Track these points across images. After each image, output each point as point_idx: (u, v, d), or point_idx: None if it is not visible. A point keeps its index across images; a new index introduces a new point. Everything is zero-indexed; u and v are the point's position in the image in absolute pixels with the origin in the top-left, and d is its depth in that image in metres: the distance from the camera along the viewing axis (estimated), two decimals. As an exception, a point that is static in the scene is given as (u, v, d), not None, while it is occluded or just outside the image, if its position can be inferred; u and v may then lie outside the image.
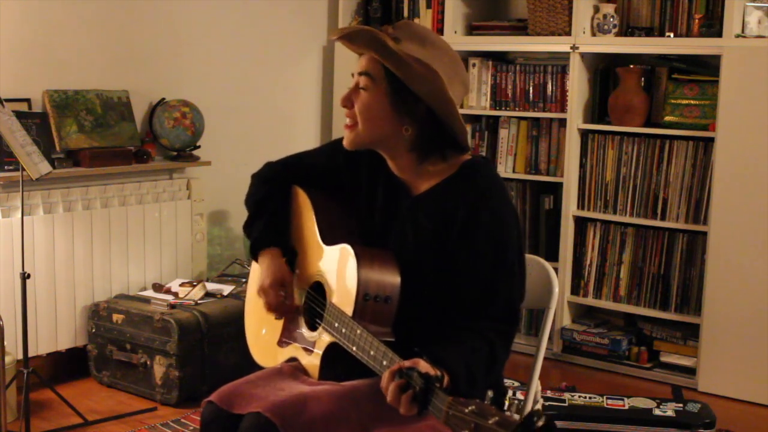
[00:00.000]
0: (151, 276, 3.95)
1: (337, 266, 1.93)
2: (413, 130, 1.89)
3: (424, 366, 1.62)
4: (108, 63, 3.90)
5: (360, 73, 1.91)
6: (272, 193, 2.16)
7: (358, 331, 1.78)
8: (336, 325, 1.86)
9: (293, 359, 2.04)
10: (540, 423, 1.31)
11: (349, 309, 1.84)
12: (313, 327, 1.99)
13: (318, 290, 2.00)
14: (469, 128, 4.49)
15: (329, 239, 1.99)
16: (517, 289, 1.90)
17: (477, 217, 1.85)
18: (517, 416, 1.37)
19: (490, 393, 1.39)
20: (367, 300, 1.83)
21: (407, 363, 1.62)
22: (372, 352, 1.73)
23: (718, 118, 3.72)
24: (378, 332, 1.79)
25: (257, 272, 2.10)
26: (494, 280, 1.84)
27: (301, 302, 2.06)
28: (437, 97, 1.84)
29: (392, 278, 1.86)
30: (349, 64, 1.99)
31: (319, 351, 1.94)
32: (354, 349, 1.79)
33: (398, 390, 1.58)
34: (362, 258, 1.86)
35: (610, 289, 4.14)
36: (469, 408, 1.39)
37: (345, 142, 1.96)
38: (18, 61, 3.60)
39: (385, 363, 1.68)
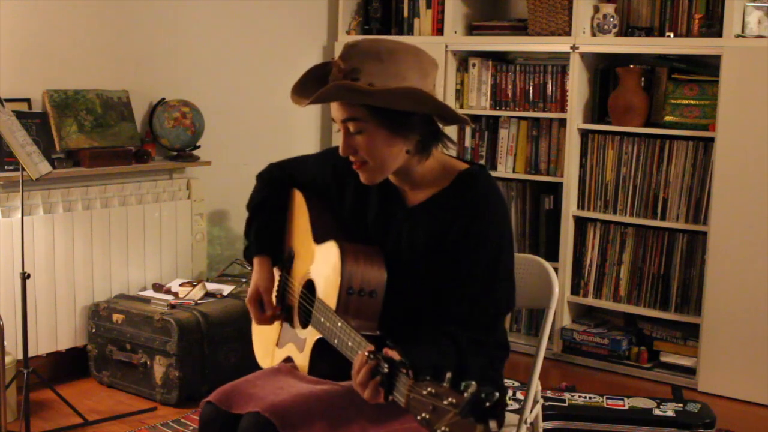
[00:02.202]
0: (151, 276, 3.96)
1: (324, 262, 1.95)
2: (416, 139, 1.87)
3: (389, 352, 1.62)
4: (108, 63, 3.90)
5: (344, 120, 1.86)
6: (269, 197, 2.20)
7: (339, 324, 1.79)
8: (322, 320, 1.87)
9: (289, 359, 2.05)
10: (488, 403, 1.32)
11: (333, 303, 1.85)
12: (305, 325, 2.00)
13: (311, 289, 2.01)
14: (468, 128, 4.50)
15: (321, 238, 2.01)
16: (504, 298, 1.89)
17: (472, 231, 1.84)
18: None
19: (448, 374, 1.40)
20: (350, 294, 1.84)
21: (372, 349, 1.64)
22: (350, 344, 1.74)
23: (718, 118, 3.72)
24: (363, 326, 1.80)
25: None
26: (483, 290, 1.84)
27: (296, 302, 2.07)
28: (428, 109, 1.84)
29: (378, 273, 1.87)
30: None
31: (308, 347, 1.95)
32: (335, 342, 1.80)
33: (369, 372, 1.59)
34: (347, 253, 1.87)
35: (610, 289, 4.14)
36: (427, 390, 1.41)
37: (364, 181, 1.92)
38: (18, 61, 3.61)
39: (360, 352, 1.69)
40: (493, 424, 1.31)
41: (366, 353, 1.62)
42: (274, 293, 2.15)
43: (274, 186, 2.20)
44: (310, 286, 2.02)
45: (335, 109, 1.87)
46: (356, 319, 1.82)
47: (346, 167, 1.97)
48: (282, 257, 2.19)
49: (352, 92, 1.79)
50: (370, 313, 1.85)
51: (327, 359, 1.89)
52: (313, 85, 1.86)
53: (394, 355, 1.60)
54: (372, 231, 1.99)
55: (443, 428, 1.35)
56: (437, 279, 1.86)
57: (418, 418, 1.40)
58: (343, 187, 2.05)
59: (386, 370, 1.54)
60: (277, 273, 2.19)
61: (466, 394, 1.33)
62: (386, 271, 1.88)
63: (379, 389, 1.56)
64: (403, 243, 1.93)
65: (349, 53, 1.84)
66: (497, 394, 1.32)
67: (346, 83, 1.79)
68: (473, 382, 1.34)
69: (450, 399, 1.36)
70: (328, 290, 1.90)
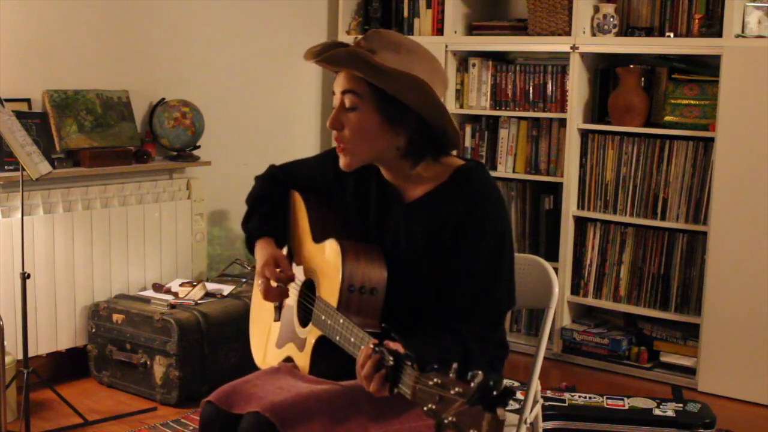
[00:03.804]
0: (151, 276, 3.96)
1: (325, 261, 1.95)
2: (405, 138, 1.88)
3: (394, 345, 1.62)
4: (108, 63, 3.90)
5: (344, 92, 1.86)
6: (271, 192, 2.19)
7: (341, 320, 1.79)
8: (323, 318, 1.87)
9: (289, 359, 2.05)
10: (495, 391, 1.31)
11: (334, 300, 1.85)
12: (305, 324, 2.00)
13: (311, 288, 2.01)
14: (468, 128, 4.50)
15: (319, 237, 2.01)
16: (505, 294, 1.89)
17: (470, 225, 1.84)
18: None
19: (455, 365, 1.39)
20: (351, 291, 1.84)
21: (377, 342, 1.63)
22: (352, 339, 1.74)
23: (718, 118, 3.72)
24: (364, 324, 1.79)
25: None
26: (483, 287, 1.84)
27: (296, 302, 2.06)
28: (428, 105, 1.83)
29: (378, 271, 1.87)
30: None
31: (309, 346, 1.95)
32: (337, 338, 1.80)
33: (374, 366, 1.59)
34: (347, 250, 1.87)
35: (610, 289, 4.14)
36: (433, 381, 1.41)
37: (342, 166, 1.93)
38: (18, 61, 3.61)
39: (363, 347, 1.69)
40: (501, 412, 1.31)
41: (371, 346, 1.61)
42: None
43: (274, 184, 2.20)
44: (310, 285, 2.02)
45: (339, 79, 1.88)
46: (358, 317, 1.82)
47: (346, 172, 1.98)
48: (282, 245, 2.19)
49: (361, 61, 1.80)
50: (372, 311, 1.85)
51: (328, 358, 1.89)
52: (324, 52, 1.86)
53: (398, 347, 1.60)
54: (372, 229, 1.99)
55: (451, 417, 1.35)
56: (437, 276, 1.86)
57: (425, 408, 1.40)
58: (344, 185, 2.05)
59: (391, 362, 1.54)
60: None
61: (473, 384, 1.33)
62: (387, 268, 1.88)
63: (385, 382, 1.56)
64: (402, 240, 1.93)
65: (372, 36, 1.86)
66: (504, 382, 1.32)
67: (359, 51, 1.80)
68: (479, 372, 1.34)
69: (457, 389, 1.36)
70: (328, 288, 1.89)
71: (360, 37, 1.87)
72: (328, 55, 1.83)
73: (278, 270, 2.02)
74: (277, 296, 2.06)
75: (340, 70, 1.88)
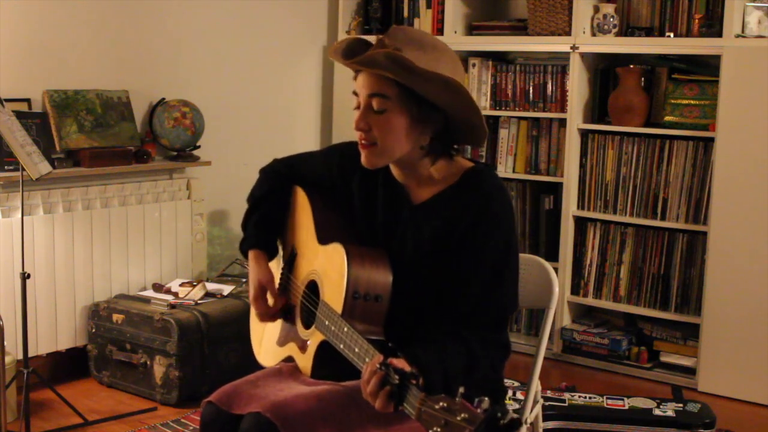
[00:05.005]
0: (151, 276, 3.95)
1: (329, 265, 1.93)
2: (429, 138, 1.87)
3: (399, 362, 1.61)
4: (108, 63, 3.90)
5: (372, 95, 1.83)
6: (271, 192, 2.18)
7: (345, 329, 1.78)
8: (326, 323, 1.86)
9: (290, 359, 2.05)
10: (504, 420, 1.30)
11: (338, 307, 1.84)
12: (308, 326, 2.00)
13: (314, 289, 2.00)
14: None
15: (324, 239, 1.99)
16: (509, 298, 1.89)
17: (479, 229, 1.84)
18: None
19: (461, 389, 1.39)
20: (356, 298, 1.83)
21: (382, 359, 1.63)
22: (356, 349, 1.73)
23: (718, 118, 3.72)
24: (368, 331, 1.79)
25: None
26: (488, 290, 1.83)
27: (298, 302, 2.06)
28: (460, 104, 1.82)
29: (383, 277, 1.86)
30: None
31: (311, 349, 1.95)
32: (341, 346, 1.79)
33: (379, 383, 1.58)
34: (353, 256, 1.86)
35: (610, 289, 4.14)
36: (440, 404, 1.40)
37: (366, 164, 1.89)
38: (18, 61, 3.60)
39: (367, 360, 1.68)
40: None
41: (377, 365, 1.60)
42: (276, 286, 2.14)
43: (277, 181, 2.19)
44: (312, 286, 2.01)
45: (365, 81, 1.84)
46: (362, 324, 1.80)
47: (351, 163, 1.97)
48: (278, 253, 2.18)
49: (398, 65, 1.76)
50: (376, 318, 1.84)
51: (330, 362, 1.88)
52: (352, 51, 1.83)
53: (404, 365, 1.59)
54: (379, 230, 1.98)
55: None
56: (442, 278, 1.85)
57: (430, 431, 1.40)
58: (350, 183, 2.03)
59: (396, 381, 1.53)
60: (277, 270, 2.18)
61: (479, 410, 1.32)
62: (392, 273, 1.87)
63: (390, 399, 1.55)
64: (409, 242, 1.92)
65: (396, 34, 1.83)
66: (511, 411, 1.31)
67: (398, 54, 1.76)
68: (486, 398, 1.33)
69: (464, 414, 1.35)
70: (332, 293, 1.88)
71: (382, 36, 1.83)
72: (367, 58, 1.79)
73: (269, 300, 2.09)
74: (272, 320, 2.13)
75: (366, 70, 1.84)
